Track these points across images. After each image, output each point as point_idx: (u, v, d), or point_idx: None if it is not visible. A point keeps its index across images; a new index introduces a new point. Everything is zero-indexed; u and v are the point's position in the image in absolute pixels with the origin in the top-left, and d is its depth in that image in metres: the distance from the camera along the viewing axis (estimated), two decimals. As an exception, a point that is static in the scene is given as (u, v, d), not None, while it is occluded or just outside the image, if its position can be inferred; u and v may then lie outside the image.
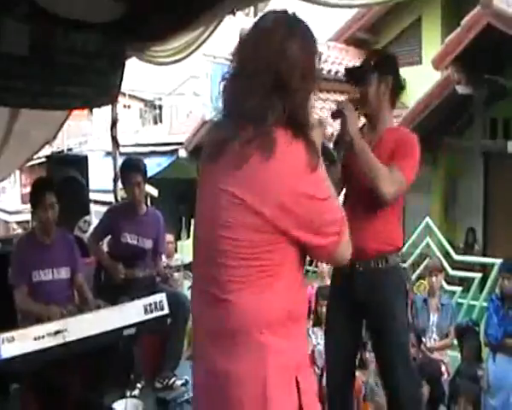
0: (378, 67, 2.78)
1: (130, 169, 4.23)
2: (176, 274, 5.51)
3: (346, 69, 2.96)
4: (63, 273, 3.72)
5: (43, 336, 2.68)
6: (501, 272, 4.85)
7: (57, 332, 2.72)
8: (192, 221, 5.20)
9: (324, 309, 4.70)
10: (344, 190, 2.92)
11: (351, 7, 3.49)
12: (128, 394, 3.27)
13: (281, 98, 1.51)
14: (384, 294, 2.74)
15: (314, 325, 4.71)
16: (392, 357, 2.74)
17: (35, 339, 2.66)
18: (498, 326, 4.61)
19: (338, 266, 1.94)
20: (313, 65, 1.60)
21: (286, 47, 1.53)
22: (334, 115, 2.73)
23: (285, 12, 1.61)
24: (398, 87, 2.85)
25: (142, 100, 20.93)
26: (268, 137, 1.48)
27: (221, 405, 1.55)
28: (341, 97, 10.14)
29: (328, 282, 5.29)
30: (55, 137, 6.69)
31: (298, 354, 1.59)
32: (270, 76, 1.50)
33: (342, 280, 2.86)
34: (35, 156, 7.34)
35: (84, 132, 17.48)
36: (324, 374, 3.68)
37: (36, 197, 3.71)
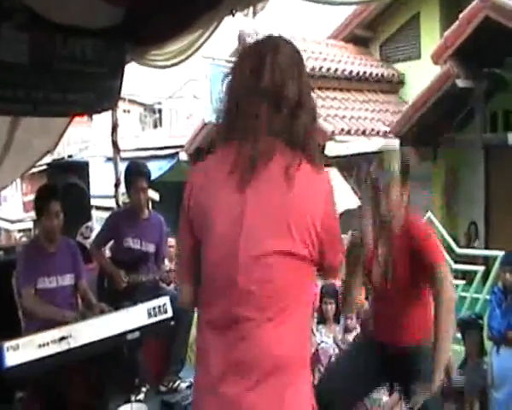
0: (403, 171, 2.69)
1: (135, 174, 4.24)
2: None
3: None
4: (67, 280, 3.73)
5: (47, 344, 2.69)
6: (503, 265, 4.85)
7: (62, 339, 2.73)
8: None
9: (329, 307, 4.73)
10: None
11: (349, 4, 3.49)
12: (133, 398, 3.28)
13: (301, 121, 1.54)
14: (417, 375, 2.71)
15: (318, 323, 4.71)
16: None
17: (39, 346, 2.67)
18: (501, 319, 4.61)
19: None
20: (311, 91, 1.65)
21: (302, 71, 1.58)
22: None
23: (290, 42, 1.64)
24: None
25: (142, 104, 20.97)
26: (307, 160, 1.51)
27: None
28: (341, 95, 10.16)
29: (332, 280, 5.29)
30: (56, 146, 6.69)
31: (310, 388, 1.63)
32: (293, 100, 1.52)
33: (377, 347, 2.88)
34: (36, 164, 7.34)
35: (84, 139, 17.52)
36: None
37: (41, 205, 3.71)
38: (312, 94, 1.63)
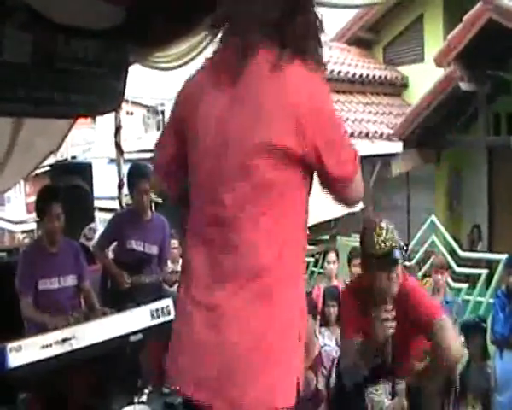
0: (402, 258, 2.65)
1: (138, 176, 4.23)
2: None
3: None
4: (69, 281, 3.73)
5: (50, 345, 2.68)
6: (506, 268, 4.84)
7: (64, 340, 2.72)
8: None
9: (332, 310, 4.72)
10: None
11: (352, 7, 3.49)
12: (136, 400, 3.27)
13: (301, 21, 1.46)
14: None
15: (321, 326, 4.69)
16: None
17: (42, 348, 2.66)
18: (505, 322, 4.60)
19: (350, 207, 1.68)
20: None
21: None
22: None
23: None
24: None
25: (145, 106, 20.99)
26: (299, 58, 1.43)
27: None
28: (343, 97, 10.15)
29: (335, 282, 5.29)
30: (59, 147, 6.70)
31: (300, 309, 1.58)
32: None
33: None
34: (39, 166, 7.36)
35: (87, 140, 17.54)
36: (332, 375, 3.71)
37: (42, 207, 3.71)
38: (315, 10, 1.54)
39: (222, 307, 1.47)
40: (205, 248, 1.52)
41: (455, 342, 2.56)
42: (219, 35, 1.53)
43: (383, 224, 2.57)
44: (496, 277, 5.77)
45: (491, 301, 5.28)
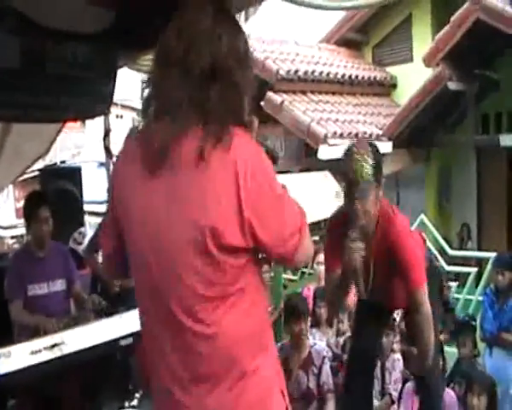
0: (376, 175, 2.63)
1: None
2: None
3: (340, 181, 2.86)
4: (58, 285, 3.72)
5: (40, 350, 2.68)
6: (495, 266, 4.88)
7: (54, 346, 2.72)
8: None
9: (322, 311, 4.74)
10: None
11: (341, 9, 3.50)
12: (126, 404, 3.27)
13: (217, 91, 1.34)
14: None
15: (312, 327, 4.71)
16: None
17: (32, 353, 2.66)
18: (493, 320, 4.63)
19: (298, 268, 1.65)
20: (247, 53, 1.44)
21: (218, 32, 1.36)
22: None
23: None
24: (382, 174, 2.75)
25: (135, 109, 20.92)
26: (224, 135, 1.32)
27: None
28: (333, 98, 10.18)
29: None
30: (47, 152, 6.67)
31: (276, 371, 1.51)
32: (205, 65, 1.34)
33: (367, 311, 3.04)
34: (28, 170, 7.32)
35: (77, 144, 17.47)
36: (322, 373, 3.74)
37: (30, 211, 3.70)
38: (244, 61, 1.41)
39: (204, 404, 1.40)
40: (164, 333, 1.42)
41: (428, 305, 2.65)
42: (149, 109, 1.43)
43: (361, 151, 2.62)
44: (485, 275, 5.80)
45: (481, 299, 5.32)
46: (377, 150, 2.71)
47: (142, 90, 1.44)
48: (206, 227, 1.30)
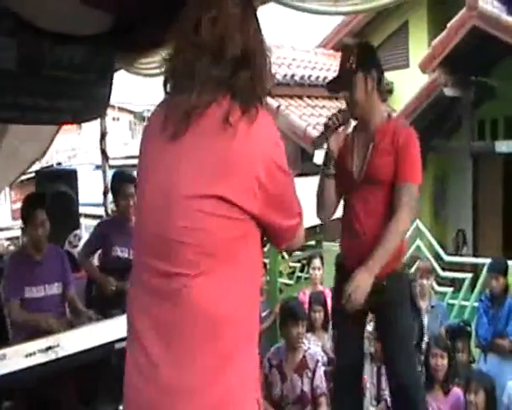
0: (360, 64, 2.72)
1: (121, 181, 4.23)
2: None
3: (329, 82, 2.91)
4: (55, 289, 3.71)
5: (34, 353, 2.67)
6: (489, 272, 4.89)
7: (49, 348, 2.70)
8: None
9: (317, 315, 4.75)
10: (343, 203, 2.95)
11: (337, 14, 3.51)
12: (121, 407, 3.26)
13: (246, 74, 1.43)
14: (389, 299, 2.77)
15: (307, 331, 4.71)
16: (398, 356, 2.81)
17: (27, 356, 2.65)
18: (488, 326, 4.65)
19: (292, 250, 1.68)
20: (265, 42, 1.52)
21: (246, 21, 1.47)
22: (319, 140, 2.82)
23: None
24: (382, 75, 2.83)
25: (131, 112, 20.96)
26: (245, 110, 1.39)
27: None
28: (330, 103, 10.20)
29: (321, 288, 5.32)
30: (44, 154, 6.67)
31: (257, 371, 1.48)
32: (237, 52, 1.43)
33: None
34: (25, 172, 7.32)
35: (73, 146, 17.48)
36: (316, 377, 3.74)
37: (27, 214, 3.70)
38: (264, 48, 1.50)
39: (170, 378, 1.36)
40: (150, 310, 1.42)
41: (407, 221, 2.68)
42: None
43: (349, 46, 2.80)
44: (480, 281, 5.81)
45: (476, 304, 5.32)
46: (367, 45, 2.90)
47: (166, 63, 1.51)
48: (216, 195, 1.34)
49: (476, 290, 5.85)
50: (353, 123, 2.92)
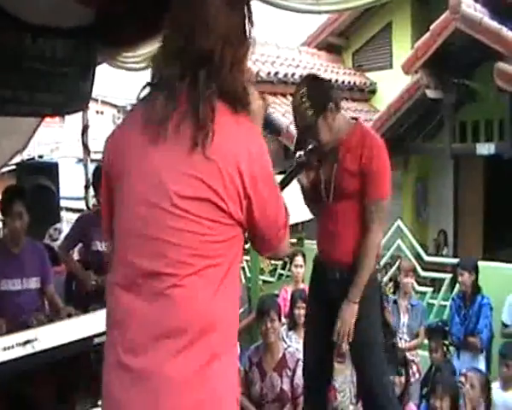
0: (316, 109, 2.71)
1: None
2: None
3: (295, 147, 2.86)
4: (33, 283, 3.68)
5: (12, 346, 2.64)
6: (459, 269, 4.96)
7: (27, 342, 2.68)
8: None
9: (301, 312, 4.74)
10: (313, 197, 2.97)
11: (321, 13, 3.52)
12: (100, 402, 3.24)
13: (224, 74, 1.39)
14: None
15: (290, 329, 4.71)
16: (365, 355, 2.85)
17: (4, 350, 2.62)
18: (460, 326, 4.72)
19: (276, 258, 1.66)
20: (242, 28, 1.45)
21: (226, 12, 1.40)
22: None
23: None
24: (338, 96, 2.86)
25: (115, 106, 20.81)
26: (229, 109, 1.37)
27: None
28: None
29: (302, 286, 5.33)
30: (25, 147, 6.59)
31: (237, 372, 1.49)
32: (216, 48, 1.38)
33: (318, 283, 3.00)
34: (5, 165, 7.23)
35: (56, 139, 17.31)
36: (296, 375, 3.75)
37: (5, 206, 3.66)
38: (244, 40, 1.44)
39: (156, 375, 1.34)
40: (136, 309, 1.38)
41: (378, 235, 2.77)
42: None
43: (298, 94, 2.76)
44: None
45: (454, 305, 5.38)
46: (314, 80, 2.87)
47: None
48: (204, 198, 1.33)
49: (455, 291, 5.91)
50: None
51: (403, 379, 3.88)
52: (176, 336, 1.34)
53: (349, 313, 2.72)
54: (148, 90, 1.46)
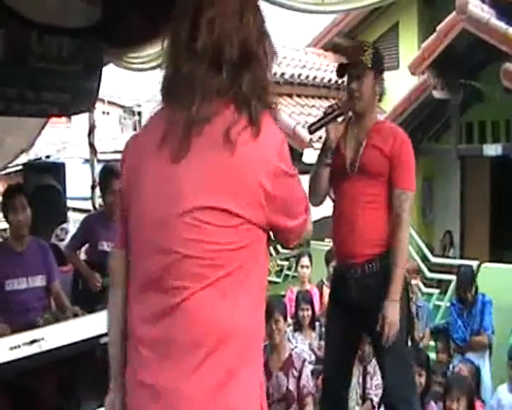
0: (374, 63, 2.76)
1: (110, 176, 4.19)
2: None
3: (341, 64, 2.90)
4: (38, 281, 3.67)
5: (19, 346, 2.65)
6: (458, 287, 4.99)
7: (33, 341, 2.69)
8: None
9: (305, 314, 4.74)
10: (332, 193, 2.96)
11: (324, 13, 3.52)
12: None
13: (247, 78, 1.35)
14: (378, 296, 2.73)
15: (295, 331, 4.71)
16: (389, 359, 2.80)
17: (11, 349, 2.63)
18: (464, 328, 4.69)
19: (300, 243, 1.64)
20: (267, 33, 1.43)
21: (246, 16, 1.37)
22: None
23: None
24: (383, 86, 2.93)
25: (121, 106, 20.87)
26: (250, 118, 1.33)
27: None
28: (319, 102, 10.21)
29: (308, 286, 5.33)
30: (31, 146, 6.61)
31: (259, 382, 1.43)
32: (236, 54, 1.34)
33: (337, 286, 2.95)
34: (11, 164, 7.26)
35: (63, 139, 17.36)
36: (302, 376, 3.73)
37: (6, 202, 3.67)
38: (267, 46, 1.41)
39: (175, 392, 1.31)
40: (150, 322, 1.36)
41: (409, 218, 2.76)
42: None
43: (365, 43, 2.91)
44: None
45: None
46: (380, 51, 2.93)
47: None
48: (219, 207, 1.30)
49: (449, 293, 5.90)
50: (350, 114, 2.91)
51: (423, 380, 3.87)
52: (191, 350, 1.31)
53: (393, 313, 2.66)
54: (165, 91, 1.42)
